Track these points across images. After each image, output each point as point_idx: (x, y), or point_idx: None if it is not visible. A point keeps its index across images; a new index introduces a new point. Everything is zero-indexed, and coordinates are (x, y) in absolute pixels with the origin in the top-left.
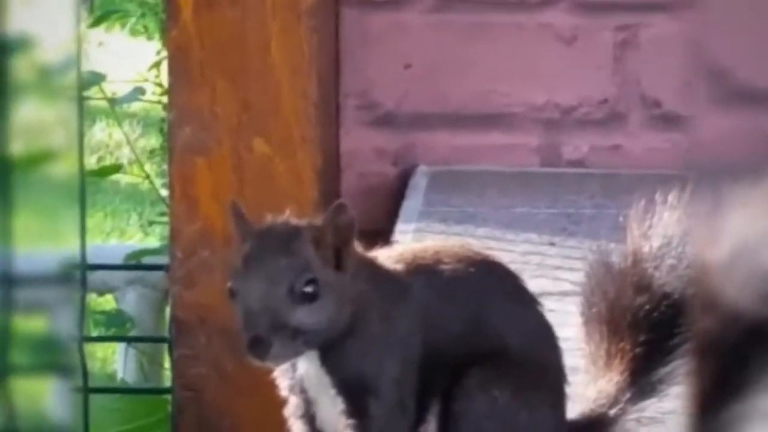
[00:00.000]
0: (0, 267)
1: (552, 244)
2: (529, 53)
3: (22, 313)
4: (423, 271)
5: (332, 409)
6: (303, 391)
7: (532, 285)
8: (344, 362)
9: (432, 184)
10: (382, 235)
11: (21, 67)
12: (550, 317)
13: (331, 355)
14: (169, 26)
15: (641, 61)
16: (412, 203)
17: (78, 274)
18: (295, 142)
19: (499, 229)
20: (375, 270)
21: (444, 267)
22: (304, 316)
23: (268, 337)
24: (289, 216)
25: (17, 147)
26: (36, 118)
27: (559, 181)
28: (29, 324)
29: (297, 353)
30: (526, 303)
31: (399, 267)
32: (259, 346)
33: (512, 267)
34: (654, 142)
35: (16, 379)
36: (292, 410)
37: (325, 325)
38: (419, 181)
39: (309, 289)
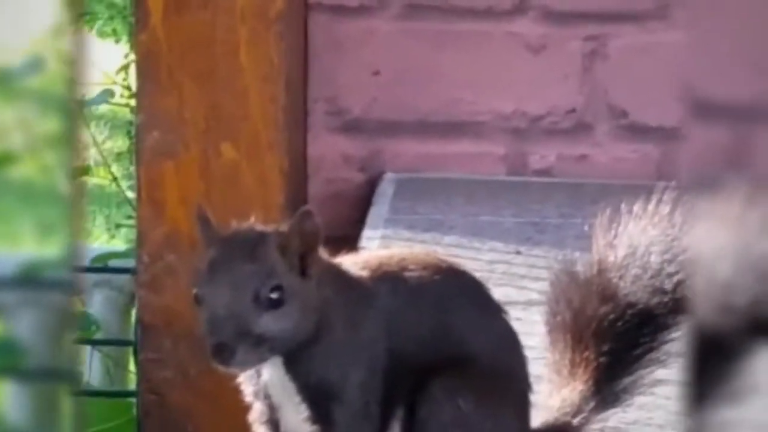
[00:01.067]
0: None
1: (518, 252)
2: (498, 62)
3: None
4: (388, 277)
5: (297, 415)
6: (267, 397)
7: (498, 293)
8: (308, 369)
9: (399, 191)
10: (348, 241)
11: None
12: (516, 326)
13: (295, 362)
14: (138, 30)
15: (609, 72)
16: (378, 210)
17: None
18: (263, 147)
19: (465, 237)
20: (340, 276)
21: (409, 274)
22: (269, 323)
23: (232, 344)
24: (254, 222)
25: None
26: None
27: (526, 190)
28: None
29: (261, 360)
30: (491, 311)
31: (364, 273)
32: (223, 352)
33: (478, 275)
34: (620, 152)
35: None
36: (256, 416)
37: (290, 332)
38: (386, 188)
39: (274, 295)
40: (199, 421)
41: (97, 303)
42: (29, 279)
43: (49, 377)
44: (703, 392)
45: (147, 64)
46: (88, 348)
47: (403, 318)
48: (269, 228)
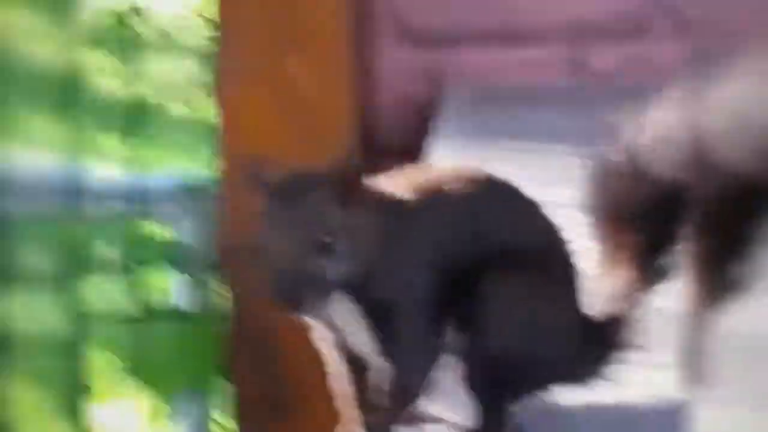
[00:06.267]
0: (137, 185)
1: (581, 156)
2: None
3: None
4: (430, 194)
5: (361, 335)
6: (329, 318)
7: (559, 194)
8: (368, 293)
9: (464, 101)
10: (415, 152)
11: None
12: (573, 224)
13: (354, 289)
14: None
15: None
16: (445, 121)
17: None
18: (329, 61)
19: (529, 142)
20: (385, 202)
21: (450, 187)
22: (327, 267)
23: (296, 294)
24: (302, 165)
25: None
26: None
27: (587, 93)
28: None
29: (327, 300)
30: (534, 212)
31: (407, 193)
32: (288, 302)
33: (541, 179)
34: (679, 52)
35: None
36: (321, 335)
37: (349, 271)
38: (452, 99)
39: (329, 239)
40: (284, 339)
41: (185, 227)
42: (189, 192)
43: (205, 270)
44: (748, 237)
45: None
46: (177, 272)
47: (447, 231)
48: (317, 169)
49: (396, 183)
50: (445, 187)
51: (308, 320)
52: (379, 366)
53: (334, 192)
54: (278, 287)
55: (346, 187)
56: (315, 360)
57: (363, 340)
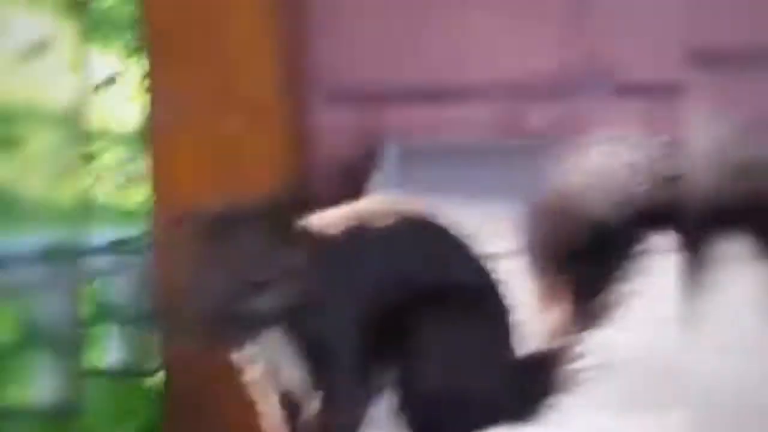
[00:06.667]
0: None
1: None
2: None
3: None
4: (364, 233)
5: (296, 373)
6: (266, 359)
7: (493, 245)
8: (301, 330)
9: (397, 158)
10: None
11: None
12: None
13: (288, 325)
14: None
15: (596, 30)
16: (378, 177)
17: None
18: (263, 119)
19: (464, 199)
20: (318, 239)
21: (384, 226)
22: (261, 304)
23: (227, 330)
24: (236, 202)
25: None
26: None
27: (520, 152)
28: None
29: (259, 336)
30: (464, 247)
31: (341, 231)
32: (221, 339)
33: (473, 231)
34: (612, 112)
35: None
36: (255, 376)
37: (282, 308)
38: (385, 156)
39: (262, 277)
40: (219, 390)
41: (118, 284)
42: (119, 250)
43: (140, 325)
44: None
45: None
46: (113, 329)
47: (379, 268)
48: (252, 206)
49: (329, 221)
50: (377, 225)
51: (242, 362)
52: (313, 404)
53: (266, 229)
54: (212, 324)
55: (279, 224)
56: (250, 407)
57: (297, 378)
